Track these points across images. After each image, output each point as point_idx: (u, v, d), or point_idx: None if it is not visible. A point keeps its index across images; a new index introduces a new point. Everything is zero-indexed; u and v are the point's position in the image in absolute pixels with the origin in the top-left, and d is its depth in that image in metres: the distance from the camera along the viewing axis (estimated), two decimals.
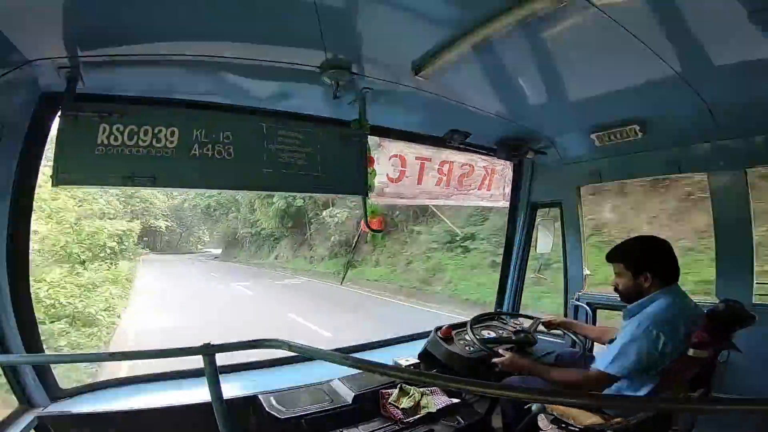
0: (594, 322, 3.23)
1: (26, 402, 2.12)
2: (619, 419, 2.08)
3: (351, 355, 1.46)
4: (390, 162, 2.94)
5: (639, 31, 1.76)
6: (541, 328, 2.90)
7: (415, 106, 2.63)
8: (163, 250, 42.00)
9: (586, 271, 3.31)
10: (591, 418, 2.15)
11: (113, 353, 1.58)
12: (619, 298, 2.29)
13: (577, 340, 2.82)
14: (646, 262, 2.13)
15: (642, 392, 2.02)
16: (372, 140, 2.77)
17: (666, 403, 1.25)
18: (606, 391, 2.06)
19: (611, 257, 2.23)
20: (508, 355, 2.43)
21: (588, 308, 3.22)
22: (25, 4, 1.44)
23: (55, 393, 2.25)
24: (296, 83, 2.25)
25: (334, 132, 2.47)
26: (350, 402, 2.39)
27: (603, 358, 2.14)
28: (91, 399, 2.33)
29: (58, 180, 1.89)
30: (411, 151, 3.03)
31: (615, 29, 1.73)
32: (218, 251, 41.15)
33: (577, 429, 2.22)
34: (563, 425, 2.27)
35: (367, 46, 2.01)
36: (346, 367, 2.53)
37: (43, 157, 2.08)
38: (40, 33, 1.61)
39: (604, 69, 2.15)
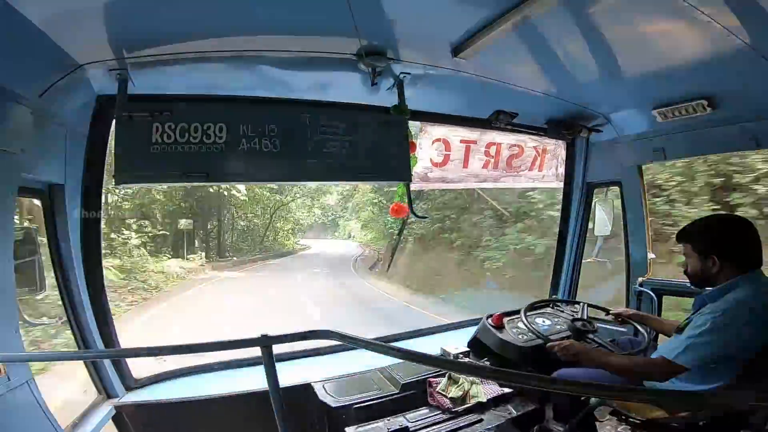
0: (659, 310, 3.02)
1: (104, 392, 2.30)
2: (685, 414, 1.93)
3: (395, 344, 1.46)
4: (433, 146, 2.89)
5: (701, 1, 1.59)
6: (606, 317, 2.73)
7: (457, 88, 2.55)
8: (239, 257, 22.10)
9: (651, 255, 3.09)
10: (654, 411, 2.01)
11: (177, 346, 1.69)
12: (689, 283, 2.12)
13: (641, 330, 2.63)
14: (713, 244, 1.93)
15: (711, 386, 1.84)
16: (414, 126, 2.72)
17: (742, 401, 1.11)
18: (670, 382, 1.91)
19: (679, 237, 2.06)
20: (565, 341, 2.32)
21: (653, 294, 3.01)
22: (69, 9, 1.52)
23: (130, 383, 2.42)
24: (334, 72, 2.25)
25: (375, 119, 2.47)
26: (398, 390, 2.40)
27: (669, 345, 1.97)
28: (161, 388, 2.50)
29: (119, 179, 2.02)
30: (455, 134, 2.95)
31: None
32: (351, 251, 24.64)
33: (638, 422, 2.10)
34: (623, 417, 2.15)
35: (403, 30, 1.96)
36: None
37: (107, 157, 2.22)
38: (87, 37, 1.70)
39: (665, 42, 1.97)
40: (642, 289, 3.08)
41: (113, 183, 2.07)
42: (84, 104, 2.05)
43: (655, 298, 3.00)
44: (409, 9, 1.79)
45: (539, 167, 3.37)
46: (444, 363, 2.17)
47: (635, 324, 2.61)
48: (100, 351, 2.27)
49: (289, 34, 1.91)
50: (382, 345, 1.47)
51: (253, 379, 2.46)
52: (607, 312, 2.70)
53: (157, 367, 2.66)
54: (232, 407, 2.39)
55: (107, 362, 2.28)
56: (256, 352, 1.72)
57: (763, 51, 1.87)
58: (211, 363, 2.78)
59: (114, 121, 2.03)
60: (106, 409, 2.21)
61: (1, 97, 1.52)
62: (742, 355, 1.78)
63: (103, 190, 2.30)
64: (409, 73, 2.27)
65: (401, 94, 2.37)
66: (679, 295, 2.99)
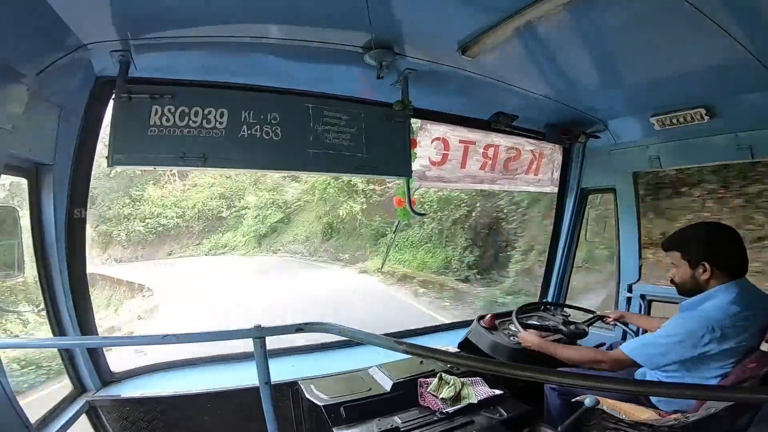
0: (649, 315, 3.07)
1: (79, 386, 2.21)
2: (676, 415, 1.94)
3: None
4: (432, 145, 2.88)
5: (709, 7, 1.61)
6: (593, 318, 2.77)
7: (460, 87, 2.55)
8: None
9: (641, 262, 3.13)
10: (645, 413, 2.02)
11: (165, 335, 1.62)
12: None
13: (629, 332, 2.69)
14: (704, 250, 1.93)
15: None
16: (414, 124, 2.72)
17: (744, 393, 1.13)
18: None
19: (667, 245, 2.06)
20: (526, 333, 2.44)
21: (642, 301, 3.06)
22: None
23: (107, 377, 2.33)
24: (341, 64, 2.22)
25: (378, 113, 2.47)
26: (388, 390, 2.36)
27: (633, 340, 2.01)
28: (140, 383, 2.41)
29: (113, 161, 1.97)
30: (454, 134, 2.94)
31: (682, 5, 1.59)
32: None
33: (627, 424, 2.11)
34: (613, 421, 2.16)
35: (413, 25, 1.96)
36: (382, 355, 2.54)
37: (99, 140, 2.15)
38: (93, 17, 1.66)
39: (668, 49, 1.99)
40: (631, 295, 3.12)
41: (105, 165, 2.01)
42: (82, 85, 2.00)
43: (644, 305, 3.05)
44: (420, 4, 1.78)
45: (535, 171, 3.39)
46: (445, 356, 2.14)
47: (623, 326, 2.66)
48: (76, 338, 2.17)
49: (300, 24, 1.88)
50: (383, 338, 1.45)
51: (240, 376, 2.41)
52: (593, 314, 2.75)
53: (137, 361, 2.57)
54: (216, 404, 2.32)
55: (83, 354, 2.19)
56: (242, 347, 1.67)
57: (765, 59, 1.91)
58: (195, 358, 2.70)
59: (112, 103, 1.98)
60: (80, 403, 2.12)
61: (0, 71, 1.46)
62: (729, 358, 1.81)
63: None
64: (414, 70, 2.27)
65: (405, 90, 2.37)
66: (667, 302, 3.03)
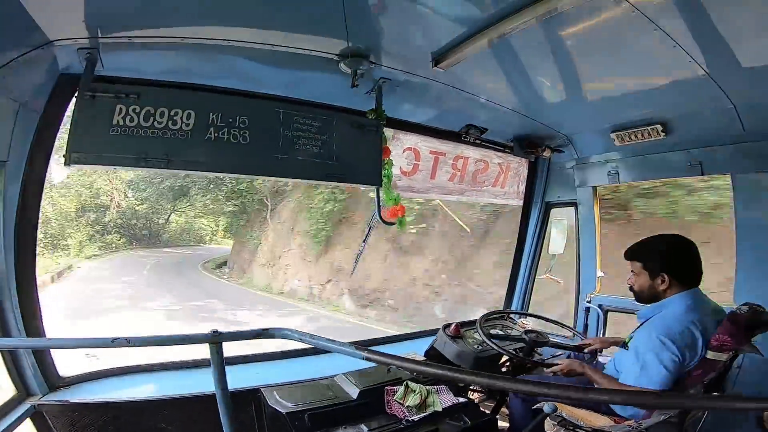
0: (605, 326, 3.19)
1: (23, 390, 2.09)
2: (630, 422, 2.02)
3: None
4: (404, 155, 2.91)
5: (670, 27, 1.71)
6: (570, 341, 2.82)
7: (432, 98, 2.60)
8: None
9: (600, 273, 3.26)
10: (601, 420, 2.09)
11: (115, 338, 1.53)
12: (633, 302, 2.24)
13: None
14: (664, 262, 2.04)
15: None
16: (386, 134, 2.74)
17: (691, 401, 1.20)
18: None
19: (629, 255, 2.15)
20: (565, 361, 2.34)
21: (599, 311, 3.17)
22: None
23: (54, 381, 2.21)
24: (314, 71, 2.22)
25: (351, 121, 2.47)
26: (355, 398, 2.34)
27: (626, 371, 2.05)
28: (91, 388, 2.30)
29: (70, 160, 1.88)
30: (425, 144, 2.99)
31: (645, 25, 1.68)
32: None
33: (585, 430, 2.17)
34: (571, 427, 2.22)
35: (389, 34, 1.98)
36: (350, 363, 2.52)
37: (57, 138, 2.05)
38: (62, 14, 1.61)
39: (630, 67, 2.10)
40: (590, 305, 3.23)
41: (62, 164, 1.92)
42: (44, 81, 1.92)
43: (602, 314, 3.17)
44: (398, 14, 1.82)
45: (502, 184, 3.49)
46: (409, 364, 2.14)
47: (581, 336, 2.74)
48: (19, 340, 2.04)
49: (275, 29, 1.87)
50: (346, 344, 1.43)
51: (199, 382, 2.32)
52: (579, 342, 2.72)
53: (88, 366, 2.43)
54: (173, 411, 2.23)
55: (30, 357, 2.07)
56: (200, 353, 1.61)
57: (717, 78, 2.03)
58: (152, 363, 2.59)
59: (74, 100, 1.91)
60: (24, 407, 2.00)
61: None
62: (682, 368, 1.90)
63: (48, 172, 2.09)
64: (388, 79, 2.30)
65: (379, 99, 2.39)
66: (622, 312, 3.16)
